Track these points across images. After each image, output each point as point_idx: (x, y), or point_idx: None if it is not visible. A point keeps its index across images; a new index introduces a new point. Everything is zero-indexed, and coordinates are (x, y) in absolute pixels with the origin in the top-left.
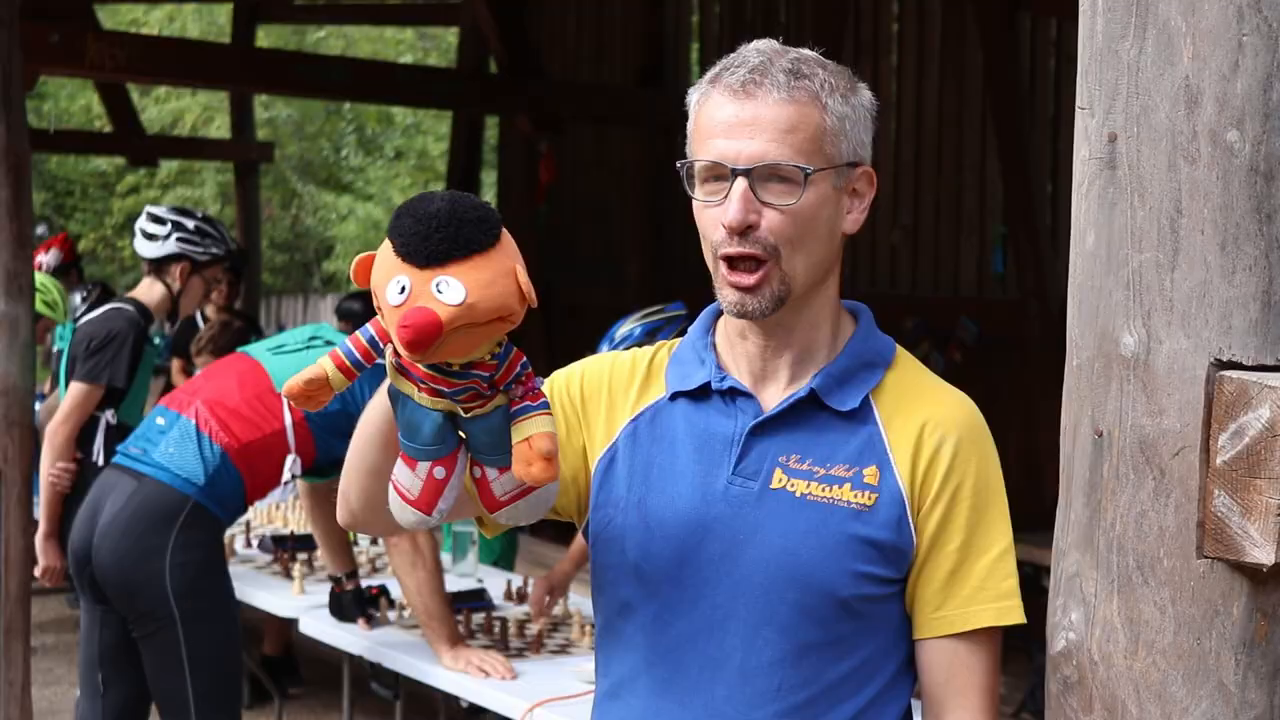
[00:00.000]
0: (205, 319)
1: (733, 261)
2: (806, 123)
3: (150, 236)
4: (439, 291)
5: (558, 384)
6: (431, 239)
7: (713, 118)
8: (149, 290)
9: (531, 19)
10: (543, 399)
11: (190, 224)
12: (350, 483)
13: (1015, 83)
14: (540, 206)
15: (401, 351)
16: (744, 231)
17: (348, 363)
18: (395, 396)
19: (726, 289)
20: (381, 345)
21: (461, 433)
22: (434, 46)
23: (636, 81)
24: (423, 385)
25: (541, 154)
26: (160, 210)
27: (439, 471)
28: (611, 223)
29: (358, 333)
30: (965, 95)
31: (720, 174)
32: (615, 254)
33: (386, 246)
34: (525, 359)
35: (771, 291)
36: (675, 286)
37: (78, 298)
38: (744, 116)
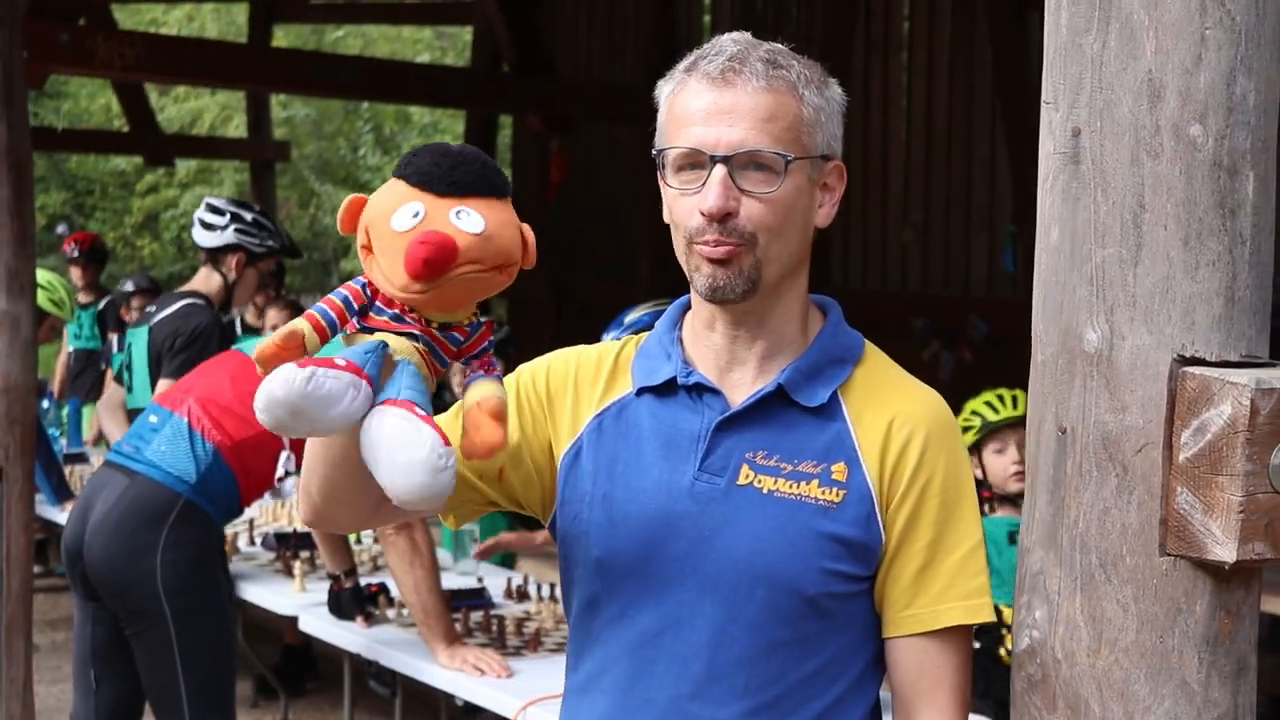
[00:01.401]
0: (244, 324)
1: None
2: (785, 112)
3: (209, 226)
4: (457, 218)
5: (524, 378)
6: (458, 170)
7: (689, 106)
8: (207, 280)
9: (543, 18)
10: (496, 373)
11: (248, 216)
12: (313, 477)
13: (1025, 80)
14: (552, 204)
15: (399, 286)
16: (722, 219)
17: (323, 322)
18: (372, 350)
19: (703, 265)
20: (356, 305)
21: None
22: (451, 46)
23: (648, 80)
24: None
25: (553, 152)
26: (219, 201)
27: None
28: (622, 222)
29: (332, 295)
30: (975, 93)
31: (698, 161)
32: (626, 253)
33: (393, 184)
34: (491, 339)
35: (743, 272)
36: (686, 286)
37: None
38: (723, 104)
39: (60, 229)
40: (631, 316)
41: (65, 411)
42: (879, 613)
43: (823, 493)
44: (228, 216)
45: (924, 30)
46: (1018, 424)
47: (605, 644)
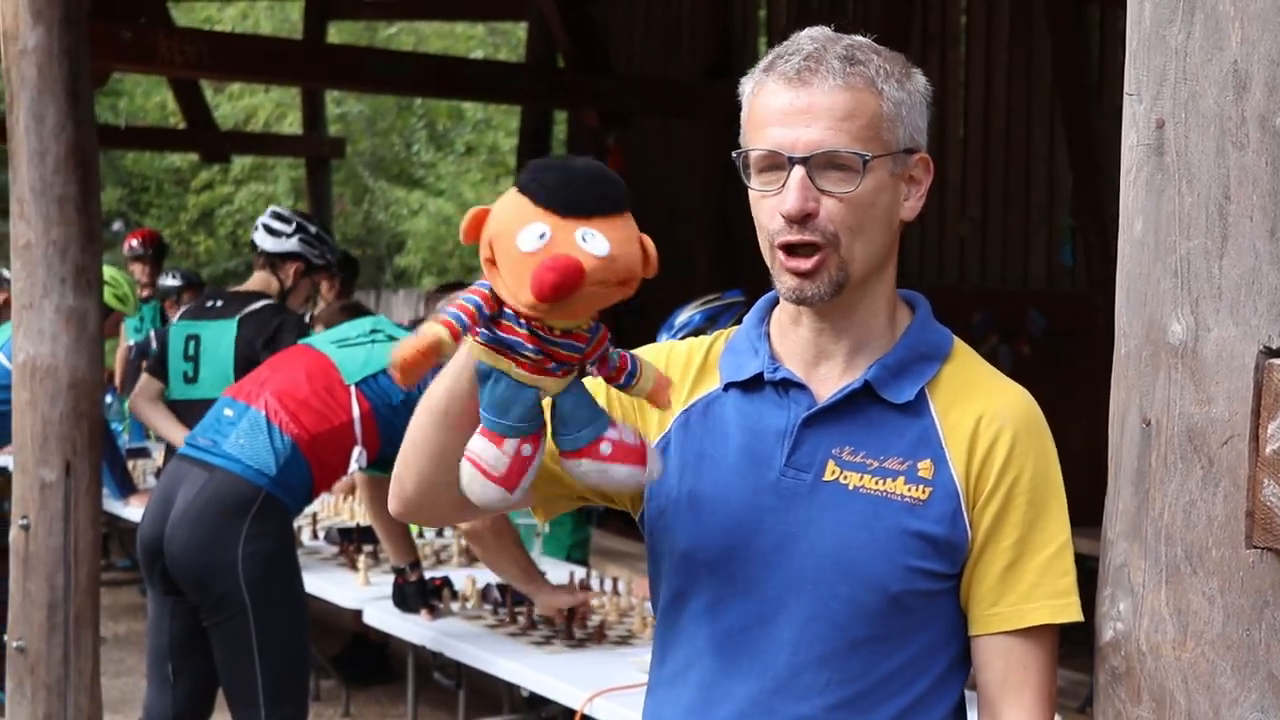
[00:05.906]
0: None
1: (791, 248)
2: (863, 109)
3: (273, 232)
4: (584, 241)
5: None
6: (583, 190)
7: (768, 106)
8: (266, 283)
9: (599, 13)
10: (633, 362)
11: (312, 228)
12: (409, 468)
13: (1084, 74)
14: None
15: (524, 304)
16: (802, 220)
17: (458, 327)
18: (486, 374)
19: (785, 275)
20: (488, 311)
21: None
22: (504, 42)
23: (704, 76)
24: (521, 358)
25: (609, 149)
26: (285, 210)
27: (526, 449)
28: (679, 218)
29: (463, 300)
30: (1034, 87)
31: (777, 163)
32: (682, 249)
33: (517, 199)
34: (609, 344)
35: (829, 277)
36: (743, 281)
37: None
38: (799, 104)
39: (116, 226)
40: (682, 317)
41: (127, 405)
42: (965, 610)
43: (909, 489)
44: (293, 225)
45: (982, 23)
46: None
47: (692, 638)
